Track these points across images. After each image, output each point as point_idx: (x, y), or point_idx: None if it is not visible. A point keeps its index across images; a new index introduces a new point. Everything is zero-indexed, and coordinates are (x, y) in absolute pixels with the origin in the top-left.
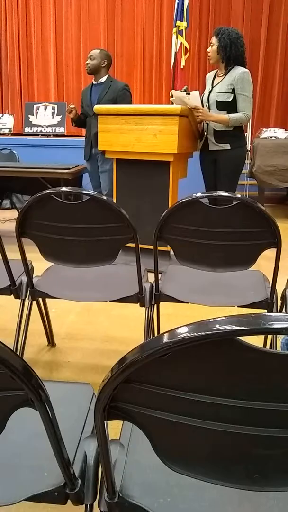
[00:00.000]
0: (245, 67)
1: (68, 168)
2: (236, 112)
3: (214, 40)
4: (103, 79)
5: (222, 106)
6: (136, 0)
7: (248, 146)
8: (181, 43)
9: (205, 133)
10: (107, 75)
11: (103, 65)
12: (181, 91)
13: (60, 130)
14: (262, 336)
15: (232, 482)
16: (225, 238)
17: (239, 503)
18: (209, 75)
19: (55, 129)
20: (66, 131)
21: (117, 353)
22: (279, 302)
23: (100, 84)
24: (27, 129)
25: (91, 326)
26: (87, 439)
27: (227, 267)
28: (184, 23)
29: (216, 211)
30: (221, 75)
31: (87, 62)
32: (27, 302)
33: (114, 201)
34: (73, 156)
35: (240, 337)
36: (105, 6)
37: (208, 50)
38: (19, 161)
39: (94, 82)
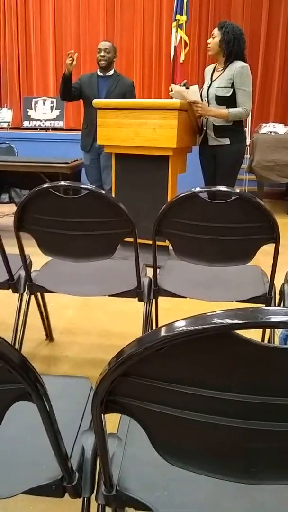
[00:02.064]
0: (244, 62)
1: (67, 163)
2: (236, 106)
3: (216, 32)
4: (111, 72)
5: (221, 100)
6: None
7: (248, 141)
8: (181, 37)
9: (205, 128)
10: (113, 68)
11: (114, 59)
12: (180, 86)
13: (59, 124)
14: (260, 330)
15: (229, 476)
16: (224, 233)
17: (236, 496)
18: (208, 69)
19: (53, 123)
20: (65, 125)
21: (115, 347)
22: (277, 297)
23: (107, 77)
24: (25, 123)
25: (89, 320)
26: (85, 432)
27: (226, 262)
28: (184, 17)
29: (215, 206)
30: (220, 69)
31: (102, 55)
32: (25, 296)
33: (113, 195)
34: (72, 150)
35: (237, 331)
36: None
37: (208, 41)
38: (17, 155)
39: (100, 74)
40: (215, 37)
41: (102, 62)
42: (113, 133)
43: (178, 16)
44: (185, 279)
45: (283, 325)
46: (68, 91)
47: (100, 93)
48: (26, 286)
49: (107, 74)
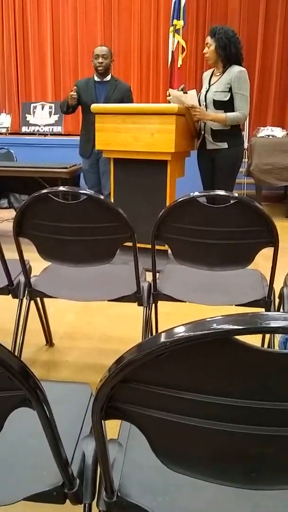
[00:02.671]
0: (242, 66)
1: (66, 168)
2: (233, 111)
3: (210, 40)
4: (108, 77)
5: (219, 105)
6: None
7: (246, 145)
8: (178, 42)
9: (202, 132)
10: (110, 73)
11: (111, 63)
12: (178, 90)
13: (58, 129)
14: (260, 335)
15: (230, 481)
16: (223, 237)
17: (237, 501)
18: (206, 74)
19: (52, 129)
20: (64, 130)
21: (116, 352)
22: (277, 300)
23: (105, 82)
24: (24, 129)
25: (89, 325)
26: (85, 438)
27: (225, 266)
28: (181, 22)
29: (213, 210)
30: (218, 74)
31: (100, 61)
32: (25, 301)
33: (112, 200)
34: (70, 155)
35: (237, 336)
36: (102, 4)
37: (205, 51)
38: (16, 160)
39: (98, 80)
40: (210, 46)
41: (100, 68)
42: (111, 138)
43: (175, 21)
44: (184, 283)
45: (283, 330)
46: (71, 111)
47: (98, 99)
48: (26, 291)
49: (105, 79)
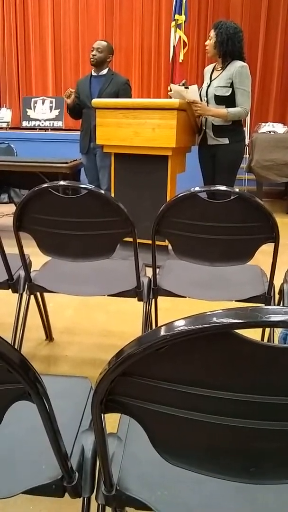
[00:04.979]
0: (244, 61)
1: (66, 162)
2: (235, 106)
3: (212, 33)
4: (104, 71)
5: (220, 100)
6: None
7: (247, 141)
8: (180, 37)
9: (204, 128)
10: (108, 67)
11: (108, 60)
12: (179, 85)
13: (58, 124)
14: (260, 330)
15: (229, 475)
16: (223, 233)
17: (237, 496)
18: (208, 69)
19: (53, 123)
20: (64, 125)
21: (115, 347)
22: (277, 296)
23: (100, 77)
24: (25, 123)
25: (89, 320)
26: (84, 432)
27: (225, 261)
28: (183, 17)
29: (214, 206)
30: (219, 69)
31: (93, 53)
32: (25, 296)
33: (112, 195)
34: (71, 150)
35: (237, 331)
36: None
37: (206, 43)
38: (17, 155)
39: (94, 74)
40: (211, 39)
41: (92, 60)
42: (112, 133)
43: (177, 16)
44: (184, 278)
45: (283, 324)
46: (78, 114)
47: (92, 93)
48: (26, 286)
49: (101, 73)
